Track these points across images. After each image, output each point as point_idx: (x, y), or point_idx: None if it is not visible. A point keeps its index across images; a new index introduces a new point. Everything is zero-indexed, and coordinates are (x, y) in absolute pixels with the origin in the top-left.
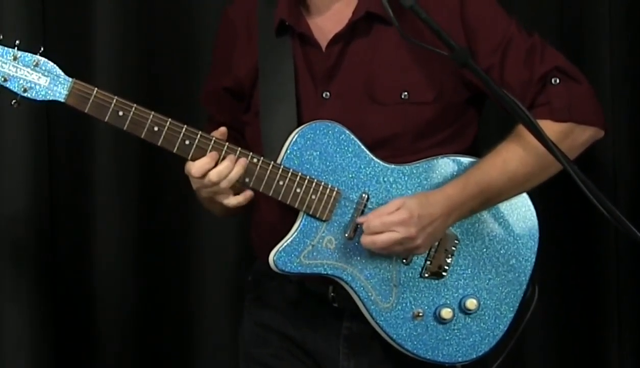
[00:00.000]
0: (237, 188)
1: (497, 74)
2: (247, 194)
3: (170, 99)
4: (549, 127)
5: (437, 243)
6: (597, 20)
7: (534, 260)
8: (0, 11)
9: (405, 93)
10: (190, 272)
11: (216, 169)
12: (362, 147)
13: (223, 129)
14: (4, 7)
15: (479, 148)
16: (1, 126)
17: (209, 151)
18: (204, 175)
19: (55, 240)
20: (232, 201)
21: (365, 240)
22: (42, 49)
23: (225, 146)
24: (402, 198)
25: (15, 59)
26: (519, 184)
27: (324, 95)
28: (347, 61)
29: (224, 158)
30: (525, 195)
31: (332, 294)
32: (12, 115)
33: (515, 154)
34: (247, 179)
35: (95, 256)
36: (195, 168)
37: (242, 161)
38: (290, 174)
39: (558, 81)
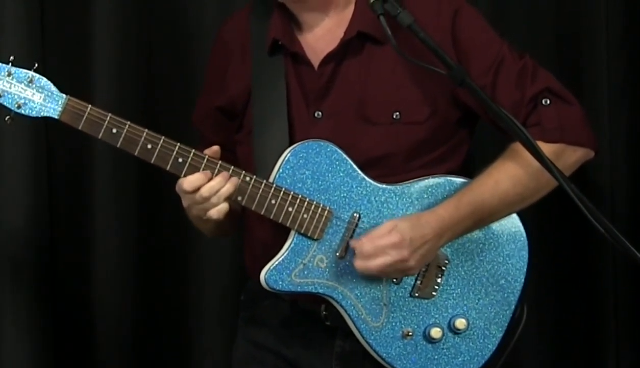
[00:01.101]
0: (232, 207)
1: (489, 95)
2: (222, 208)
3: (168, 116)
4: (541, 148)
5: (427, 263)
6: (594, 39)
7: (523, 280)
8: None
9: (397, 113)
10: (186, 291)
11: (208, 184)
12: (354, 166)
13: (216, 147)
14: (3, 19)
15: (471, 167)
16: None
17: (201, 169)
18: (196, 190)
19: (55, 256)
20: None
21: (358, 264)
22: (36, 65)
23: (218, 165)
24: (394, 220)
25: (9, 75)
26: (511, 204)
27: (316, 114)
28: (339, 80)
29: (216, 175)
30: (514, 216)
31: (324, 313)
32: (11, 130)
33: (507, 175)
34: (239, 198)
35: (94, 272)
36: (187, 182)
37: (234, 180)
38: (282, 193)
39: (549, 101)
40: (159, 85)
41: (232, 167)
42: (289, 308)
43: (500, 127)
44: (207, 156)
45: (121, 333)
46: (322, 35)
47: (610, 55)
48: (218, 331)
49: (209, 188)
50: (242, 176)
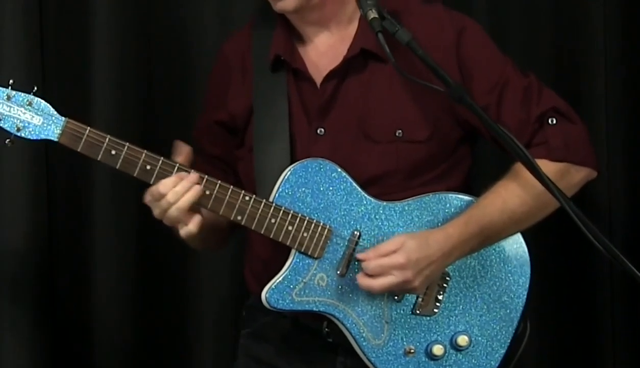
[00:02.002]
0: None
1: (494, 114)
2: (196, 220)
3: (166, 126)
4: (546, 167)
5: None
6: (591, 53)
7: (525, 296)
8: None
9: (400, 131)
10: (185, 307)
11: (173, 189)
12: (354, 184)
13: (187, 149)
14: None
15: (471, 186)
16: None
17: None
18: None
19: (54, 275)
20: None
21: (362, 281)
22: (35, 88)
23: (218, 185)
24: (402, 236)
25: (9, 98)
26: (518, 223)
27: (318, 131)
28: (341, 97)
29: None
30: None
31: (326, 329)
32: (12, 149)
33: (514, 194)
34: (239, 217)
35: (93, 288)
36: (162, 184)
37: (197, 188)
38: (282, 212)
39: (555, 121)
40: (159, 97)
41: (232, 187)
42: (291, 324)
43: (503, 145)
44: (206, 177)
45: (120, 350)
46: (324, 52)
47: (608, 70)
48: (218, 347)
49: (173, 192)
50: (241, 195)
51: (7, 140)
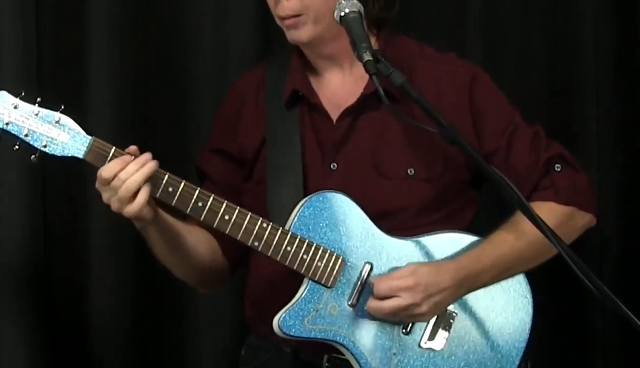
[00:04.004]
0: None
1: (503, 157)
2: (142, 198)
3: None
4: (554, 209)
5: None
6: (584, 89)
7: (527, 335)
8: None
9: (412, 169)
10: (185, 346)
11: (125, 169)
12: (367, 218)
13: (133, 147)
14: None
15: (474, 230)
16: None
17: (220, 212)
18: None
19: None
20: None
21: (372, 304)
22: (62, 107)
23: (237, 210)
24: (416, 263)
25: (37, 115)
26: (527, 262)
27: (331, 166)
28: (355, 134)
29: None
30: None
31: (326, 364)
32: (10, 165)
33: (524, 232)
34: (256, 243)
35: (90, 302)
36: (106, 168)
37: (152, 164)
38: (297, 240)
39: (560, 167)
40: (157, 104)
41: (250, 213)
42: (291, 361)
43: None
44: (226, 202)
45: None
46: (338, 88)
47: (599, 105)
48: None
49: (125, 171)
50: (259, 222)
51: (33, 156)
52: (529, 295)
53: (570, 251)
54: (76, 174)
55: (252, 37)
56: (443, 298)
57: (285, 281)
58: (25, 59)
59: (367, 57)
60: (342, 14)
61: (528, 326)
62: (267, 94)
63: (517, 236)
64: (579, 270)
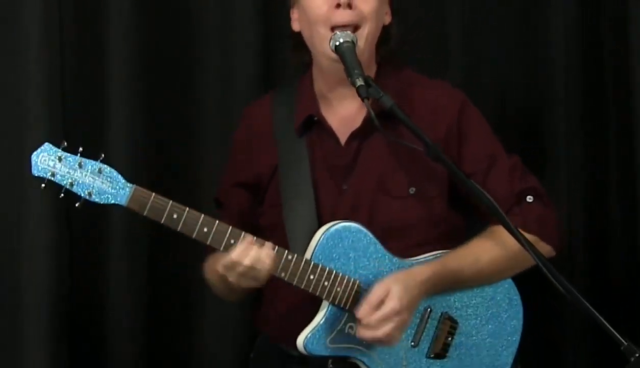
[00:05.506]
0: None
1: (481, 180)
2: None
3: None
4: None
5: (440, 327)
6: (554, 114)
7: (518, 340)
8: (24, 110)
9: (413, 188)
10: (193, 351)
11: (251, 254)
12: (378, 244)
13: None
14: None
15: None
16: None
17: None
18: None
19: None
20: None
21: (366, 334)
22: (102, 156)
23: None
24: (385, 283)
25: (80, 166)
26: (483, 280)
27: (343, 187)
28: (363, 155)
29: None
30: (510, 281)
31: (330, 366)
32: (36, 195)
33: (486, 253)
34: (282, 274)
35: (107, 324)
36: (236, 253)
37: (269, 249)
38: (319, 269)
39: (532, 199)
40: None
41: (277, 246)
42: (298, 363)
43: (479, 211)
44: (255, 238)
45: None
46: (346, 112)
47: (569, 129)
48: None
49: (252, 257)
50: (285, 254)
51: (78, 203)
52: (519, 304)
53: (542, 257)
54: (98, 213)
55: (256, 67)
56: (415, 305)
57: (306, 304)
58: (51, 95)
59: (360, 82)
60: (337, 43)
61: (519, 332)
62: (276, 121)
63: (478, 257)
64: (550, 275)
